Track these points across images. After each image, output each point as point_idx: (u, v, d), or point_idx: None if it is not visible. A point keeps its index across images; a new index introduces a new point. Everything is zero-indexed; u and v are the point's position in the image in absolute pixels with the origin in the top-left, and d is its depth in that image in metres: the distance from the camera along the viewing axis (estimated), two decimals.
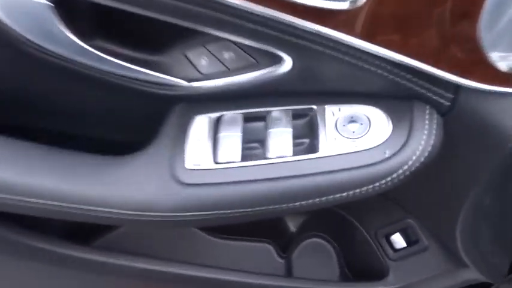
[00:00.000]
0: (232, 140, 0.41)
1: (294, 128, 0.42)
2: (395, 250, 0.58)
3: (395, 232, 0.58)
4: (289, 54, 0.40)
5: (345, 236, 0.62)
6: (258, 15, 0.37)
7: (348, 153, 0.39)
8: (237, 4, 0.37)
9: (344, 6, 0.36)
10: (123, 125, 0.49)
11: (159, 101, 0.44)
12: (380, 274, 0.58)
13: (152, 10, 0.39)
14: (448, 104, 0.41)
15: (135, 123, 0.48)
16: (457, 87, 0.40)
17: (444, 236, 0.54)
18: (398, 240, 0.58)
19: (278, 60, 0.41)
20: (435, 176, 0.45)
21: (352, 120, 0.41)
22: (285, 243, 0.63)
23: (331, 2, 0.36)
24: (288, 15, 0.37)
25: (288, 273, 0.62)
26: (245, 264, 0.60)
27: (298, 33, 0.38)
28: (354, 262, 0.63)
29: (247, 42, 0.40)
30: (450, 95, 0.41)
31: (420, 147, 0.38)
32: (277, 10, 0.37)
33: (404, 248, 0.58)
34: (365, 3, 0.36)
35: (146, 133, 0.43)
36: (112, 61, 0.42)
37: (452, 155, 0.42)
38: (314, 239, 0.63)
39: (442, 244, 0.55)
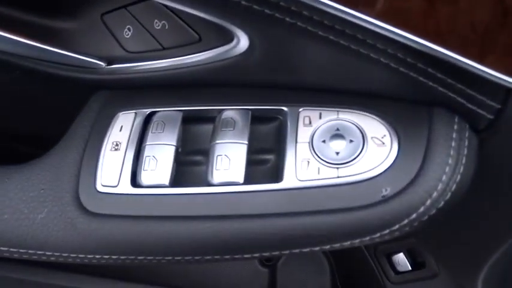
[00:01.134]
0: (163, 152, 0.34)
1: (254, 137, 0.34)
2: (397, 272, 0.53)
3: (399, 252, 0.52)
4: (242, 28, 0.31)
5: None
6: None
7: (326, 186, 0.31)
8: None
9: None
10: (41, 118, 0.44)
11: (72, 87, 0.38)
12: None
13: None
14: (491, 117, 0.32)
15: (56, 116, 0.42)
16: (507, 93, 0.31)
17: (460, 273, 0.48)
18: (401, 261, 0.52)
19: (229, 37, 0.32)
20: (462, 214, 0.38)
21: (337, 134, 0.33)
22: None
23: None
24: None
25: (272, 284, 0.59)
26: (222, 273, 0.57)
27: None
28: (348, 278, 0.60)
29: (179, 6, 0.31)
30: (495, 105, 0.32)
31: (440, 185, 0.30)
32: None
33: (408, 271, 0.52)
34: None
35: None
36: None
37: (490, 188, 0.36)
38: None
39: (454, 274, 0.49)
